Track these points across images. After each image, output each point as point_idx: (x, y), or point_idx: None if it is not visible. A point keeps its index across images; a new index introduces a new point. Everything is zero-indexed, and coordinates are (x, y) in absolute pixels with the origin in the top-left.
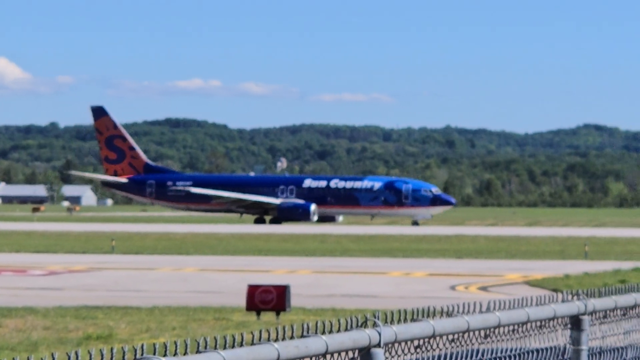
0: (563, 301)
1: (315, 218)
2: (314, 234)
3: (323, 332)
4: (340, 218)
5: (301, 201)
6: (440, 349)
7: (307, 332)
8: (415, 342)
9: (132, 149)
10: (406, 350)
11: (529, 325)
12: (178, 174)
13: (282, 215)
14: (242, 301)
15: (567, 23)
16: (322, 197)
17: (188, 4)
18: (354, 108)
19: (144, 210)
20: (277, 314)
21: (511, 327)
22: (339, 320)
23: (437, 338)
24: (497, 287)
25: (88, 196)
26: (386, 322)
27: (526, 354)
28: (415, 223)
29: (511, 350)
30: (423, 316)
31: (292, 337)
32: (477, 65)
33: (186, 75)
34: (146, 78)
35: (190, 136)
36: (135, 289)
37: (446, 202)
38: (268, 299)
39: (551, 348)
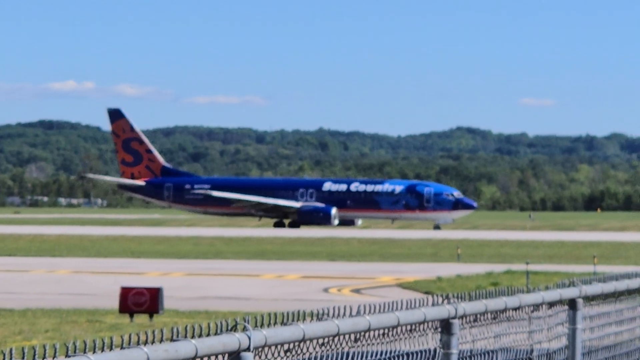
0: (433, 305)
1: (336, 222)
2: (187, 236)
3: (193, 336)
4: (360, 222)
5: (322, 205)
6: (311, 353)
7: (177, 336)
8: (286, 346)
9: (149, 151)
10: (276, 354)
11: (399, 328)
12: (196, 177)
13: (303, 219)
14: (115, 303)
15: (442, 25)
16: (342, 200)
17: (61, 5)
18: (228, 110)
19: (17, 212)
20: (150, 316)
21: (381, 331)
22: (208, 324)
23: (307, 342)
24: (370, 289)
25: None
26: (256, 325)
27: (396, 358)
28: (437, 227)
29: (381, 354)
30: (293, 320)
31: (162, 341)
32: (350, 67)
33: (60, 77)
34: (20, 80)
35: (63, 138)
36: (8, 291)
37: (468, 206)
38: (141, 301)
39: (421, 352)
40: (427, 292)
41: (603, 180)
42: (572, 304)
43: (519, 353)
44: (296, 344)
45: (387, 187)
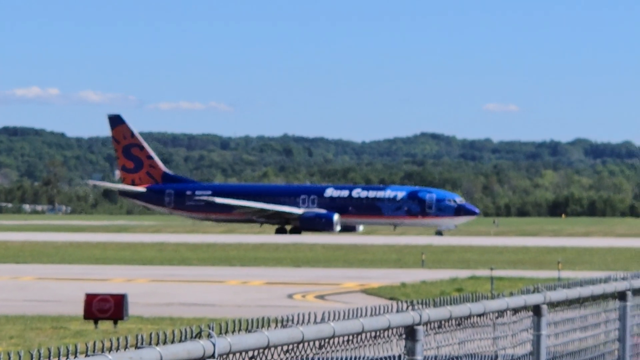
0: (398, 311)
1: (338, 228)
2: (152, 242)
3: (157, 343)
4: (361, 228)
5: (323, 211)
6: (275, 359)
7: (142, 343)
8: (250, 353)
9: (150, 157)
10: None
11: (363, 335)
12: (197, 183)
13: (304, 225)
14: (79, 310)
15: (405, 30)
16: (344, 206)
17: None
18: (192, 116)
19: None
20: (115, 322)
21: (346, 337)
22: (173, 332)
23: (272, 348)
24: (335, 295)
25: None
26: (221, 332)
27: None
28: (439, 233)
29: None
30: (258, 327)
31: (126, 348)
32: (314, 73)
33: (24, 83)
34: None
35: (28, 145)
36: None
37: (470, 212)
38: (106, 308)
39: (386, 358)
40: (391, 298)
41: (567, 186)
42: (536, 310)
43: (483, 359)
44: (261, 350)
45: (389, 193)
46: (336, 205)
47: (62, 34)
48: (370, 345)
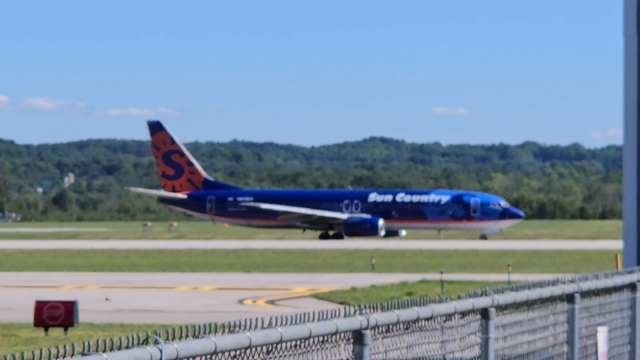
0: (345, 316)
1: (383, 233)
2: (102, 249)
3: (105, 350)
4: (404, 232)
5: (368, 216)
6: None
7: (89, 350)
8: (198, 359)
9: (190, 164)
10: None
11: (311, 340)
12: (238, 189)
13: (349, 230)
14: (30, 317)
15: (354, 34)
16: (388, 211)
17: None
18: (141, 123)
19: None
20: (65, 329)
21: (294, 342)
22: (120, 338)
23: (220, 354)
24: (285, 300)
25: None
26: (168, 338)
27: None
28: (483, 237)
29: None
30: (205, 332)
31: (73, 355)
32: (263, 78)
33: None
34: None
35: None
36: None
37: (515, 216)
38: (56, 315)
39: None
40: (342, 303)
41: (517, 189)
42: (484, 313)
43: None
44: (208, 356)
45: (433, 197)
46: (380, 210)
47: (9, 41)
48: (318, 350)
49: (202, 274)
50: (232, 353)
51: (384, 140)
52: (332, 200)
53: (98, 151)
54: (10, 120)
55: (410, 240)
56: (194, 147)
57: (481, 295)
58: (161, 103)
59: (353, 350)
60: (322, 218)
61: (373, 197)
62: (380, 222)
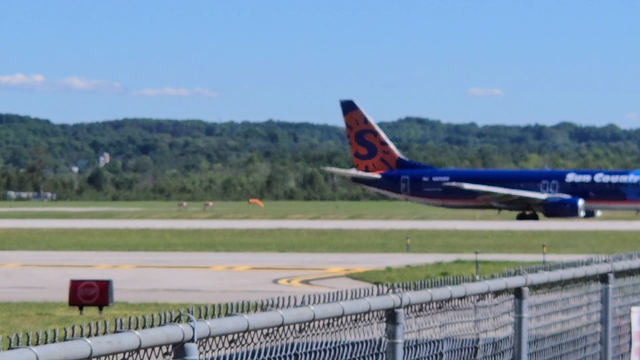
0: (378, 295)
1: (583, 214)
2: (137, 228)
3: (137, 328)
4: (599, 213)
5: (568, 196)
6: (255, 343)
7: (122, 328)
8: (230, 337)
9: (384, 143)
10: (220, 345)
11: (344, 318)
12: (433, 169)
13: (548, 211)
14: (65, 296)
15: (387, 16)
16: (585, 191)
17: None
18: (177, 102)
19: None
20: (100, 308)
21: (326, 321)
22: (152, 316)
23: (252, 332)
24: (320, 280)
25: None
26: (200, 316)
27: (341, 348)
28: None
29: (326, 344)
30: (238, 311)
31: (105, 333)
32: (299, 59)
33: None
34: None
35: (12, 132)
36: None
37: None
38: (91, 294)
39: (367, 341)
40: (376, 283)
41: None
42: (518, 292)
43: (464, 342)
44: (240, 334)
45: (632, 177)
46: (577, 190)
47: (46, 21)
48: (351, 328)
49: (237, 253)
50: (265, 331)
51: (419, 121)
52: (529, 181)
53: (133, 131)
54: (46, 100)
55: (444, 221)
56: (230, 127)
57: (515, 274)
58: (197, 83)
59: (386, 329)
60: (520, 198)
61: (571, 177)
62: (580, 202)
